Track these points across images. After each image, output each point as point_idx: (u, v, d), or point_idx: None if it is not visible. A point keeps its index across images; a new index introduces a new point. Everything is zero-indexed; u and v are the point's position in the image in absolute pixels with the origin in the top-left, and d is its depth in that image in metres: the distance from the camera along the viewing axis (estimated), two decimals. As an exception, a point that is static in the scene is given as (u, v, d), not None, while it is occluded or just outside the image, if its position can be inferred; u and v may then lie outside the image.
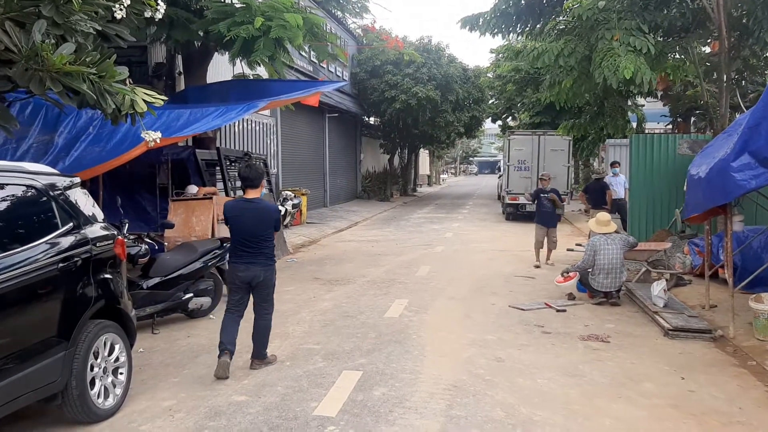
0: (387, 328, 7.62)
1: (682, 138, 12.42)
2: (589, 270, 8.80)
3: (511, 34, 12.99)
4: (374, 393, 5.44)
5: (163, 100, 7.03)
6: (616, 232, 9.20)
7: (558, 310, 8.48)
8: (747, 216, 10.14)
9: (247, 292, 6.22)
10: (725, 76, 10.72)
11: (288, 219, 18.30)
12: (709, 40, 11.92)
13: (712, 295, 8.49)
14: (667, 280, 9.60)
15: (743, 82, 12.31)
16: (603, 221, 9.10)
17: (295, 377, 5.88)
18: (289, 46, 11.69)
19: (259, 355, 6.28)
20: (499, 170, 33.94)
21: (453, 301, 9.20)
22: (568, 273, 9.04)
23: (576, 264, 9.37)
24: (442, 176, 65.74)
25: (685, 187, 8.28)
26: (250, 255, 6.10)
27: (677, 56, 11.58)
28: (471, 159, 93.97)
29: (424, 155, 49.46)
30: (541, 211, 12.69)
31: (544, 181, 12.92)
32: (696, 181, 7.38)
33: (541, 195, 12.71)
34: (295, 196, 19.43)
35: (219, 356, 5.95)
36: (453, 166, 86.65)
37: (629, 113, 17.75)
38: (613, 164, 15.91)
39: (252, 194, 6.27)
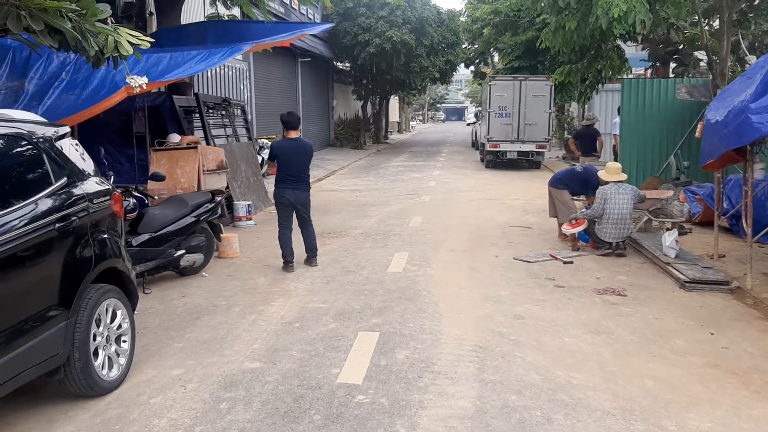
0: (393, 284, 7.27)
1: (679, 82, 12.11)
2: (596, 219, 8.52)
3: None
4: (397, 356, 5.10)
5: (149, 42, 6.44)
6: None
7: (565, 262, 8.22)
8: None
9: (293, 210, 7.88)
10: (727, 17, 10.36)
11: (265, 168, 17.67)
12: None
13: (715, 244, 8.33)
14: (668, 228, 9.42)
15: (746, 23, 11.94)
16: (614, 169, 8.75)
17: (309, 340, 5.51)
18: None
19: (315, 254, 8.19)
20: (475, 117, 33.44)
21: (454, 253, 8.87)
22: (576, 219, 8.75)
23: (583, 210, 9.08)
24: (411, 123, 65.05)
25: (698, 134, 7.98)
26: (294, 182, 7.78)
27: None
28: (438, 106, 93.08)
29: (393, 102, 48.64)
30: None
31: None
32: (713, 126, 7.06)
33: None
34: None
35: (285, 265, 7.88)
36: (421, 113, 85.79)
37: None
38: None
39: (293, 134, 7.91)
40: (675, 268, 7.43)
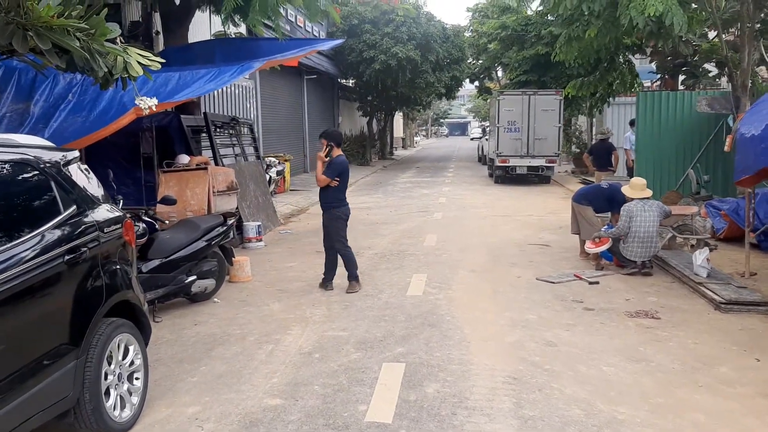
0: (414, 308, 6.97)
1: (696, 95, 11.86)
2: (621, 237, 8.22)
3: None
4: (427, 390, 4.79)
5: (159, 63, 6.23)
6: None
7: (590, 282, 7.90)
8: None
9: None
10: (748, 27, 10.11)
11: (272, 187, 17.43)
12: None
13: (744, 262, 8.02)
14: (693, 245, 9.12)
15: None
16: (638, 185, 8.45)
17: (331, 373, 5.20)
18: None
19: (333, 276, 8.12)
20: (483, 132, 33.21)
21: (474, 274, 8.57)
22: (600, 238, 8.43)
23: (605, 227, 8.77)
24: (416, 139, 64.90)
25: (727, 148, 7.70)
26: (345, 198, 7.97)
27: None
28: (441, 121, 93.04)
29: (397, 117, 48.48)
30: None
31: None
32: (748, 141, 6.78)
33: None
34: (279, 163, 18.55)
35: (356, 281, 7.81)
36: (424, 128, 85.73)
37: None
38: (632, 123, 15.25)
39: (340, 151, 7.82)
40: (708, 289, 7.11)
